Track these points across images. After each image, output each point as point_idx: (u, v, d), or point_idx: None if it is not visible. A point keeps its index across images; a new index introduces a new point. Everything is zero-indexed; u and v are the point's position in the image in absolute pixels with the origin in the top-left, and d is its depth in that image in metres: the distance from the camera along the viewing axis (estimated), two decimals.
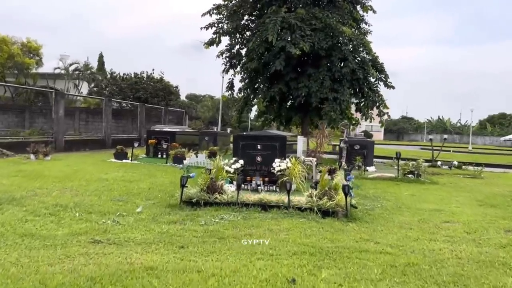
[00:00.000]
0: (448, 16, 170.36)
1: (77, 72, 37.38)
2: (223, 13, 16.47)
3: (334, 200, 6.04)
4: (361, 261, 4.05)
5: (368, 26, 17.21)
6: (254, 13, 16.73)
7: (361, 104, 16.18)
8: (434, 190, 9.56)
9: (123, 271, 3.53)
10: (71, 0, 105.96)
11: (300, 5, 15.34)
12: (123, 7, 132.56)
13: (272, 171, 8.02)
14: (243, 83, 17.05)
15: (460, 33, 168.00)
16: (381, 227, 5.51)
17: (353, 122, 17.76)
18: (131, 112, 26.84)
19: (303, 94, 14.89)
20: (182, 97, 46.32)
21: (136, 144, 14.49)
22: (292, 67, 15.21)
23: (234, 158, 8.41)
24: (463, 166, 15.32)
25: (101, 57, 45.87)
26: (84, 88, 37.39)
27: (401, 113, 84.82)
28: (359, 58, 15.40)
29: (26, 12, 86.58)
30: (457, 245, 4.77)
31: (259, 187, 7.83)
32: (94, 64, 42.31)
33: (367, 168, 12.85)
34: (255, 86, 16.99)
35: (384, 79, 15.81)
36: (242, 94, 17.45)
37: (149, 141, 15.14)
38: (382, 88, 15.99)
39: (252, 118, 47.52)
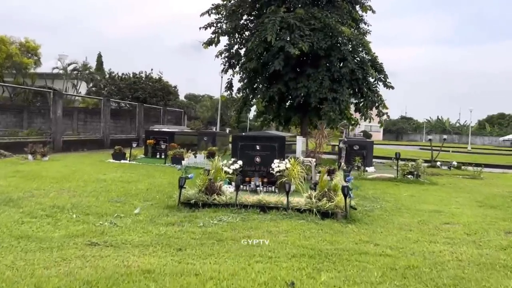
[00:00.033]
0: (448, 16, 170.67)
1: (75, 72, 37.29)
2: (222, 13, 16.41)
3: (333, 202, 6.00)
4: (361, 263, 4.01)
5: (367, 26, 17.19)
6: (253, 13, 16.67)
7: (360, 104, 16.13)
8: (433, 191, 9.53)
9: (119, 274, 3.48)
10: (70, 0, 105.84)
11: (299, 5, 15.30)
12: (122, 7, 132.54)
13: (271, 171, 7.99)
14: (242, 83, 17.00)
15: (460, 33, 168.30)
16: (380, 229, 5.47)
17: (352, 122, 17.72)
18: (129, 112, 26.78)
19: (302, 94, 14.84)
20: (181, 97, 46.27)
21: (134, 145, 14.43)
22: (291, 67, 15.16)
23: (233, 159, 8.37)
24: (463, 167, 15.31)
25: (99, 57, 45.88)
26: (83, 88, 37.30)
27: (400, 113, 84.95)
28: (358, 58, 15.35)
29: (25, 12, 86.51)
30: (458, 247, 4.73)
31: (258, 188, 7.79)
32: (93, 64, 42.32)
33: (366, 168, 12.82)
34: (254, 86, 16.94)
35: (383, 79, 15.77)
36: (241, 94, 17.39)
37: (148, 141, 15.09)
38: (381, 88, 15.97)
39: (251, 118, 47.56)
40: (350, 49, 15.12)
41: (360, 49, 15.47)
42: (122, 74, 31.07)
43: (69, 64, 36.43)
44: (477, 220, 6.31)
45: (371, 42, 15.87)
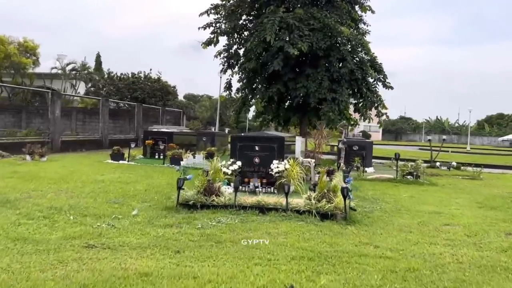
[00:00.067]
0: (448, 16, 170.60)
1: (74, 72, 37.21)
2: (221, 13, 16.35)
3: (332, 203, 5.97)
4: (361, 266, 3.97)
5: (367, 26, 17.15)
6: (252, 13, 16.62)
7: (360, 105, 16.09)
8: (433, 191, 9.49)
9: (117, 277, 3.44)
10: (68, 0, 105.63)
11: (298, 5, 15.25)
12: (121, 7, 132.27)
13: (270, 172, 7.94)
14: (241, 83, 16.94)
15: (459, 33, 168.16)
16: (380, 230, 5.44)
17: (352, 122, 17.69)
18: (128, 112, 26.73)
19: (301, 94, 14.79)
20: (180, 97, 46.16)
21: (133, 145, 14.38)
22: (290, 67, 15.11)
23: (231, 160, 8.33)
24: (462, 167, 15.28)
25: (98, 57, 45.75)
26: (81, 88, 37.22)
27: (399, 113, 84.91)
28: (357, 59, 15.31)
29: (24, 12, 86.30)
30: (458, 249, 4.70)
31: (257, 189, 7.75)
32: (92, 64, 42.13)
33: (366, 169, 12.79)
34: (253, 86, 16.88)
35: (382, 80, 15.73)
36: (240, 94, 17.34)
37: (146, 141, 15.04)
38: (380, 89, 15.93)
39: (250, 118, 47.49)
40: (350, 49, 15.09)
41: (360, 49, 15.44)
42: (121, 74, 31.01)
43: (67, 64, 36.37)
44: (477, 221, 6.27)
45: (370, 42, 15.84)
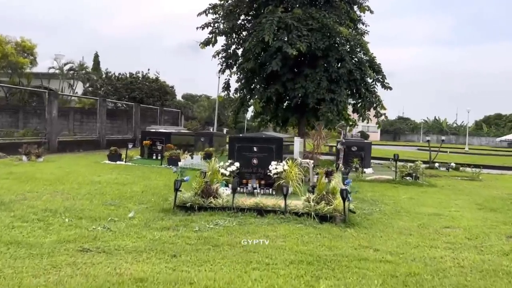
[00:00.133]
0: (447, 17, 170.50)
1: (71, 72, 37.04)
2: (219, 12, 16.26)
3: (331, 205, 5.90)
4: (361, 270, 3.90)
5: (366, 26, 17.08)
6: (251, 13, 16.54)
7: (358, 105, 16.02)
8: (432, 193, 9.43)
9: (111, 283, 3.36)
10: (66, 0, 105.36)
11: (297, 5, 15.17)
12: (119, 7, 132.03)
13: (268, 173, 7.88)
14: (239, 83, 16.84)
15: (458, 33, 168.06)
16: (380, 233, 5.37)
17: (350, 123, 17.61)
18: (126, 112, 26.62)
19: (299, 94, 14.72)
20: (178, 97, 46.01)
21: (130, 145, 14.28)
22: (289, 67, 15.04)
23: (229, 161, 8.25)
24: (461, 168, 15.22)
25: (96, 56, 45.50)
26: (79, 88, 37.06)
27: (397, 114, 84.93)
28: (356, 59, 15.25)
29: (21, 12, 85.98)
30: (459, 253, 4.63)
31: (255, 190, 7.68)
32: (89, 63, 41.90)
33: (365, 170, 12.72)
34: (252, 87, 16.80)
35: (381, 80, 15.66)
36: (238, 94, 17.25)
37: (144, 142, 14.95)
38: (379, 89, 15.86)
39: (248, 119, 47.42)
40: (348, 49, 15.02)
41: (358, 50, 15.37)
42: (119, 74, 30.88)
43: (65, 64, 36.23)
44: (477, 223, 6.21)
45: (369, 42, 15.76)
